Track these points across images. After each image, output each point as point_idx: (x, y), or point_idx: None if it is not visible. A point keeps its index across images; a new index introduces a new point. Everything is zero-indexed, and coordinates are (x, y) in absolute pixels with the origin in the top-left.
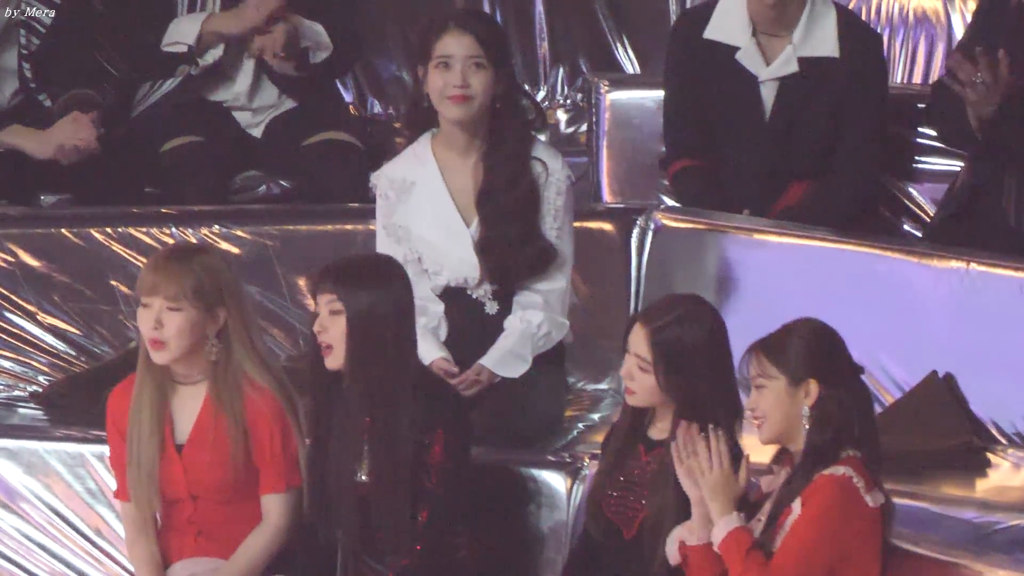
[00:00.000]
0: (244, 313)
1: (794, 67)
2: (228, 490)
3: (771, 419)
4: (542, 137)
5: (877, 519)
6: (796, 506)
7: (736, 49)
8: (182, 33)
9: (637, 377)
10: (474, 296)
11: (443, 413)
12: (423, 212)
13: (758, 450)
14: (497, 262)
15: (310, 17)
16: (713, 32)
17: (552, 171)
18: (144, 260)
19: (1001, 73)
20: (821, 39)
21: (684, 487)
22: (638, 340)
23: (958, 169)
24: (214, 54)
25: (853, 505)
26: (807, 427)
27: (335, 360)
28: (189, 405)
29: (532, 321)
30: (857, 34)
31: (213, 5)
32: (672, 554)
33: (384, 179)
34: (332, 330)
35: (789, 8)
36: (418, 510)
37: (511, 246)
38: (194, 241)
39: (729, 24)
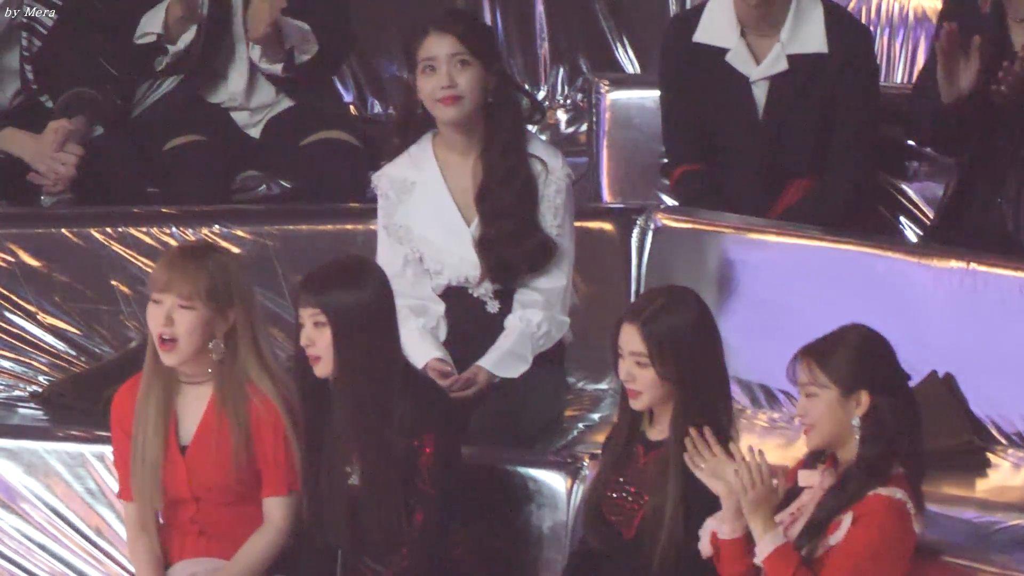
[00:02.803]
0: (253, 315)
1: (784, 65)
2: (230, 492)
3: (820, 428)
4: (543, 136)
5: (914, 544)
6: (847, 521)
7: (726, 51)
8: (150, 23)
9: (638, 375)
10: (475, 295)
11: (433, 416)
12: (424, 212)
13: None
14: (496, 258)
15: (298, 15)
16: (702, 35)
17: (552, 169)
18: (144, 260)
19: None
20: (809, 36)
21: (708, 484)
22: (630, 338)
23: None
24: (185, 39)
25: (904, 533)
26: (858, 438)
27: (323, 368)
28: (194, 406)
29: (532, 320)
30: (845, 29)
31: None
32: (704, 546)
33: (385, 179)
34: (319, 342)
35: (774, 6)
36: (412, 512)
37: (509, 241)
38: (205, 239)
39: (717, 26)
